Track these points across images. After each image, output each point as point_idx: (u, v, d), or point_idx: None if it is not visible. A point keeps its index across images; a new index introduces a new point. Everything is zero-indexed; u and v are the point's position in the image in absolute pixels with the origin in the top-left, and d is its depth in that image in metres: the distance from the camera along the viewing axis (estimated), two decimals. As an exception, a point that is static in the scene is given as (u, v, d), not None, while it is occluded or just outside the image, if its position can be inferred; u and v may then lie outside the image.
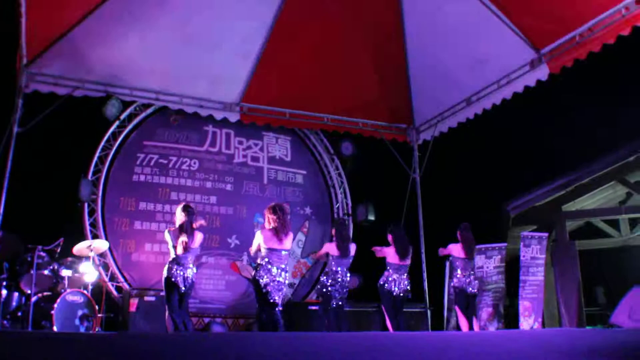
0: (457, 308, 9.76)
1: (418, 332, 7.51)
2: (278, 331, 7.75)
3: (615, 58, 9.88)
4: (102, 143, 11.40)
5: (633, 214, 12.69)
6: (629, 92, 12.36)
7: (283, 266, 7.94)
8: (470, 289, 9.52)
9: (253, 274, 8.01)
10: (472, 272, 9.59)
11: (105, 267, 11.01)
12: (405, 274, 9.33)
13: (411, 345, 4.95)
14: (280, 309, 7.84)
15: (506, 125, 12.32)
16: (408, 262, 9.37)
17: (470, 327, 9.44)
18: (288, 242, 7.98)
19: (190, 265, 8.02)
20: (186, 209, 8.16)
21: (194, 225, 8.08)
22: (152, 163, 11.92)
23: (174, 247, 8.02)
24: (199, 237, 8.11)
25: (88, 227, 11.02)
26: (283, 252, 7.93)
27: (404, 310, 9.72)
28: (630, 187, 12.06)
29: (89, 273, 9.10)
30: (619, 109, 12.30)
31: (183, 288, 7.91)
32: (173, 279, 7.88)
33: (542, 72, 9.70)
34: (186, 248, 7.97)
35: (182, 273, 7.92)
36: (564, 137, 13.11)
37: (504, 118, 11.39)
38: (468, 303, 9.58)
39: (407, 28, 10.65)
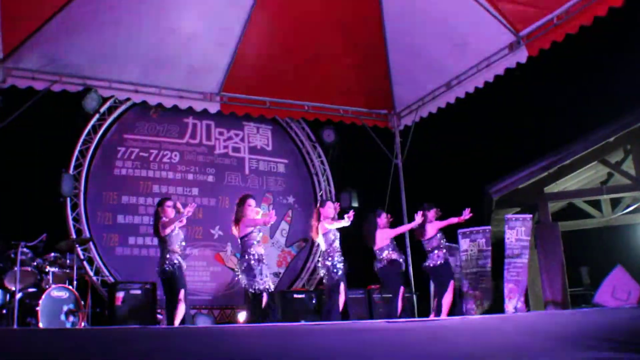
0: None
1: (399, 321, 7.55)
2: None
3: (592, 39, 9.93)
4: (83, 137, 11.31)
5: (614, 194, 12.76)
6: (607, 73, 12.43)
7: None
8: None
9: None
10: (428, 250, 9.55)
11: (90, 261, 10.96)
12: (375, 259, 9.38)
13: (389, 337, 4.97)
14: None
15: (487, 109, 12.37)
16: (374, 247, 9.32)
17: (436, 310, 9.51)
18: (234, 231, 8.21)
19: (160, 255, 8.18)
20: None
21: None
22: (133, 156, 11.85)
23: None
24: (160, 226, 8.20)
25: (71, 222, 10.95)
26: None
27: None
28: (611, 168, 12.12)
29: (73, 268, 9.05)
30: (598, 90, 12.37)
31: None
32: None
33: (522, 55, 9.75)
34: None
35: None
36: (545, 119, 13.18)
37: (484, 101, 11.44)
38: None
39: (386, 13, 10.65)
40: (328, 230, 8.57)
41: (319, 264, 8.73)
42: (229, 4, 10.06)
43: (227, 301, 11.93)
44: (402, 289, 9.15)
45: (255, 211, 8.25)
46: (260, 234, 8.26)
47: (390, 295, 9.53)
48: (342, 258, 8.56)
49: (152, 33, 9.99)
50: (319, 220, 8.66)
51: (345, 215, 8.44)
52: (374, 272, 9.42)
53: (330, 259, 8.45)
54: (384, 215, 9.57)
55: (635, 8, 8.34)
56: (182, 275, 8.16)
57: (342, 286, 8.39)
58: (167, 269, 8.01)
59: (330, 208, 8.72)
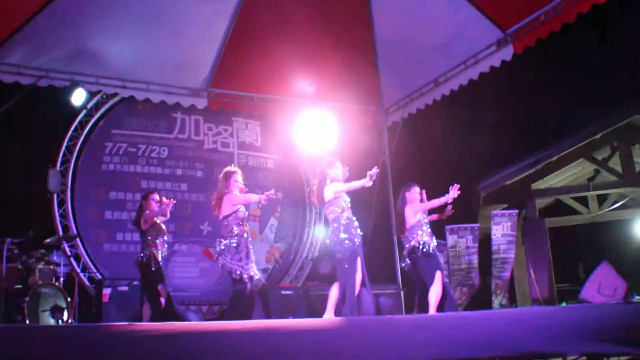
0: None
1: (389, 316, 7.39)
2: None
3: (578, 36, 9.98)
4: (70, 132, 11.27)
5: (601, 191, 12.86)
6: (593, 70, 12.49)
7: None
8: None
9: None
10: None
11: (77, 257, 10.93)
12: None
13: (380, 330, 4.99)
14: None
15: (474, 105, 12.41)
16: (405, 225, 8.27)
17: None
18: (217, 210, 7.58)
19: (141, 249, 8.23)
20: None
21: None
22: (121, 152, 11.82)
23: None
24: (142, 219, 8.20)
25: (58, 218, 10.92)
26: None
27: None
28: (597, 164, 12.22)
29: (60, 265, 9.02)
30: (585, 87, 12.43)
31: None
32: None
33: (507, 53, 9.78)
34: None
35: None
36: (532, 115, 13.23)
37: (472, 98, 11.47)
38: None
39: (374, 9, 10.65)
40: (339, 194, 7.26)
41: (328, 238, 7.37)
42: (217, -1, 10.05)
43: (216, 297, 11.92)
44: (440, 274, 7.88)
45: (240, 188, 7.62)
46: (247, 213, 7.64)
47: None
48: (357, 227, 7.23)
49: (140, 28, 9.95)
50: (325, 182, 7.29)
51: (368, 173, 6.98)
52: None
53: (341, 228, 7.13)
54: (414, 188, 8.40)
55: (619, 5, 8.40)
56: (159, 270, 8.08)
57: (358, 261, 7.07)
58: (144, 263, 7.98)
59: (339, 169, 7.39)
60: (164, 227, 8.33)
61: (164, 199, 8.35)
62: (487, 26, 9.77)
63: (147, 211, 8.16)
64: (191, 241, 12.11)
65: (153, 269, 7.98)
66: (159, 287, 8.00)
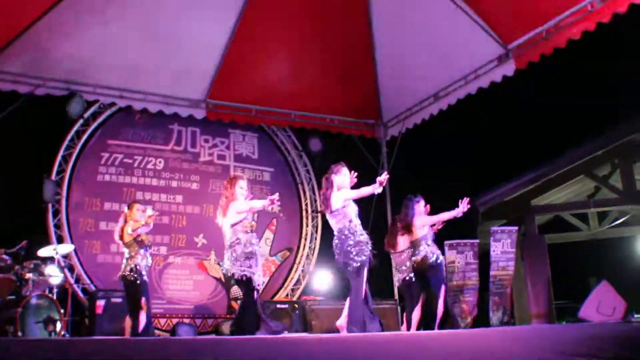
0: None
1: (385, 334, 7.19)
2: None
3: (581, 53, 9.94)
4: (66, 142, 11.16)
5: (601, 208, 12.82)
6: (596, 86, 12.46)
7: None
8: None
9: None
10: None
11: (71, 268, 10.80)
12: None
13: (375, 349, 4.89)
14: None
15: (474, 120, 12.37)
16: (411, 237, 8.48)
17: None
18: (220, 219, 7.31)
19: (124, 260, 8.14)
20: None
21: None
22: (116, 162, 11.70)
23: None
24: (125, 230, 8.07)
25: (52, 229, 10.79)
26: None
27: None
28: (598, 181, 12.18)
29: (54, 276, 8.89)
30: (586, 103, 12.39)
31: None
32: None
33: (509, 68, 9.74)
34: None
35: None
36: (532, 131, 13.19)
37: (472, 113, 11.42)
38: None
39: (375, 24, 10.65)
40: (347, 202, 6.97)
41: (335, 247, 6.97)
42: (217, 11, 10.00)
43: (210, 310, 11.80)
44: (443, 288, 8.04)
45: (245, 195, 7.36)
46: (254, 223, 7.51)
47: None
48: (367, 236, 6.96)
49: (139, 38, 9.91)
50: (333, 190, 7.02)
51: (378, 179, 6.76)
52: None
53: (351, 237, 6.84)
54: (422, 201, 8.53)
55: (623, 22, 8.36)
56: (143, 283, 7.98)
57: (364, 272, 6.78)
58: (129, 275, 7.89)
59: (347, 176, 7.09)
60: (148, 238, 8.23)
61: (149, 209, 8.23)
62: (488, 41, 9.76)
63: (132, 222, 8.07)
64: (185, 253, 11.98)
65: (137, 282, 7.89)
66: (142, 300, 7.91)
